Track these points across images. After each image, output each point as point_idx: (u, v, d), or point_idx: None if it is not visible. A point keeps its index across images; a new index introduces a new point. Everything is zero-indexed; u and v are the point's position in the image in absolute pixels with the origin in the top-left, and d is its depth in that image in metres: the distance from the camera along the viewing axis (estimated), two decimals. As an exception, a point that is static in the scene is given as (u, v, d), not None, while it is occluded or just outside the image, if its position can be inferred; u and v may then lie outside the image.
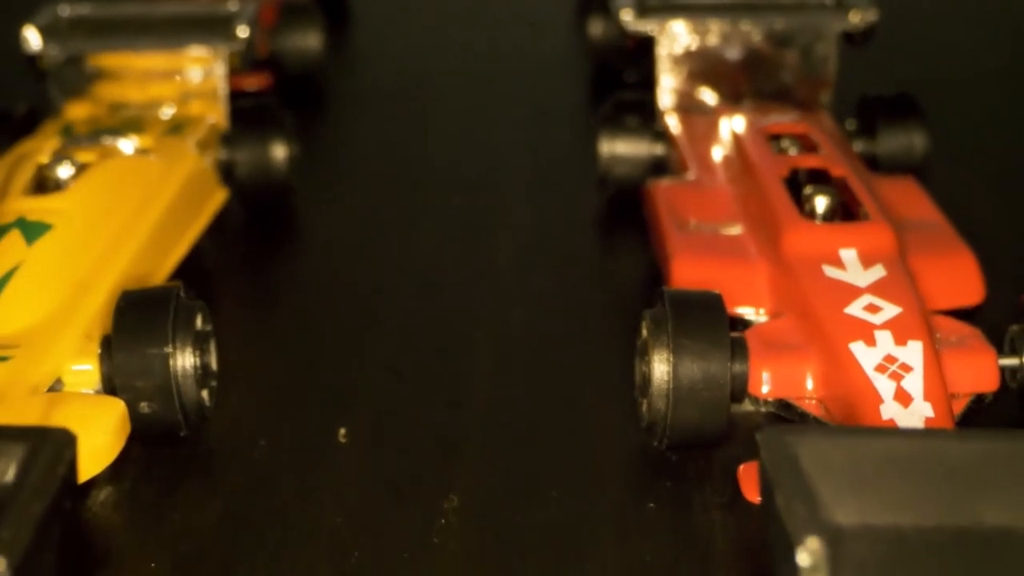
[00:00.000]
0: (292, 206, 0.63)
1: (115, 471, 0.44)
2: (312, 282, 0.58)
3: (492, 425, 0.48)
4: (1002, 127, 0.74)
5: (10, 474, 0.29)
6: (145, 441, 0.45)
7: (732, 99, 0.64)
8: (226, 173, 0.60)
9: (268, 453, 0.46)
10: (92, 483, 0.43)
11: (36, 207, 0.50)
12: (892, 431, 0.37)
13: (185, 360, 0.44)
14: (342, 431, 0.47)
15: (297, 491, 0.44)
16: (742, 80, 0.65)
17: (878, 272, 0.46)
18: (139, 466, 0.45)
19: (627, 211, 0.61)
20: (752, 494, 0.41)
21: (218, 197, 0.59)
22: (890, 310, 0.44)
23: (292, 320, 0.55)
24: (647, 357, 0.44)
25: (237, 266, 0.59)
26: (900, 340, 0.43)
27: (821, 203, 0.50)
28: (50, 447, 0.29)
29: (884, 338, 0.43)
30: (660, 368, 0.43)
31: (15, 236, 0.48)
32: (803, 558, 0.27)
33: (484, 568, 0.41)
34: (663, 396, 0.43)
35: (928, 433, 0.36)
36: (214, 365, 0.46)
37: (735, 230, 0.53)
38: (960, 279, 0.50)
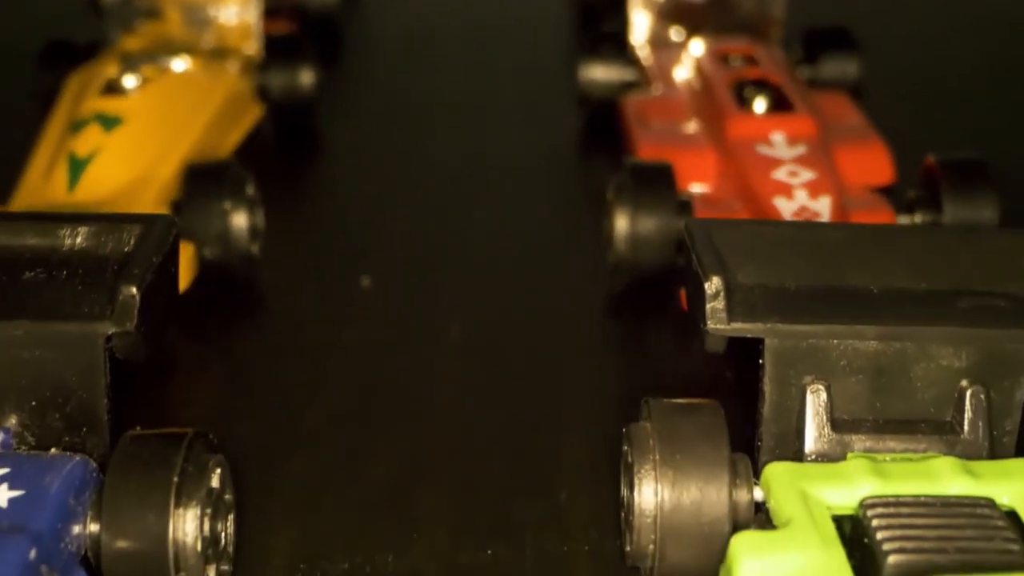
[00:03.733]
0: (316, 121, 0.73)
1: (183, 310, 0.53)
2: (335, 179, 0.69)
3: (486, 280, 0.58)
4: (931, 49, 0.85)
5: (132, 242, 0.39)
6: (207, 281, 0.55)
7: (693, 34, 0.74)
8: (261, 95, 0.71)
9: (305, 297, 0.57)
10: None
11: (110, 106, 0.60)
12: (784, 222, 0.47)
13: (239, 215, 0.54)
14: (365, 279, 0.57)
15: (329, 325, 0.54)
16: (702, 18, 0.75)
17: (800, 149, 0.57)
18: (202, 306, 0.54)
19: (602, 128, 0.71)
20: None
21: (255, 111, 0.70)
22: (806, 175, 0.55)
23: (319, 205, 0.66)
24: (612, 214, 0.54)
25: (271, 167, 0.69)
26: (813, 196, 0.53)
27: (760, 103, 0.61)
28: (161, 223, 0.39)
29: (801, 195, 0.54)
30: (621, 220, 0.53)
31: (96, 126, 0.58)
32: (708, 287, 0.38)
33: (477, 384, 0.51)
34: (624, 241, 0.53)
35: (810, 224, 0.46)
36: (261, 226, 0.57)
37: (690, 128, 0.63)
38: (873, 163, 0.60)
